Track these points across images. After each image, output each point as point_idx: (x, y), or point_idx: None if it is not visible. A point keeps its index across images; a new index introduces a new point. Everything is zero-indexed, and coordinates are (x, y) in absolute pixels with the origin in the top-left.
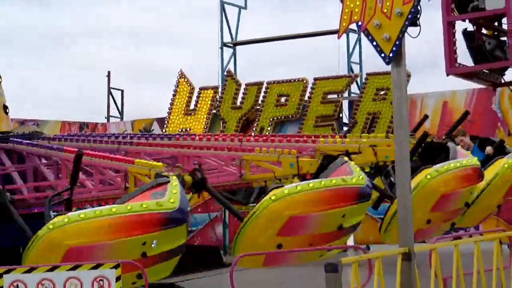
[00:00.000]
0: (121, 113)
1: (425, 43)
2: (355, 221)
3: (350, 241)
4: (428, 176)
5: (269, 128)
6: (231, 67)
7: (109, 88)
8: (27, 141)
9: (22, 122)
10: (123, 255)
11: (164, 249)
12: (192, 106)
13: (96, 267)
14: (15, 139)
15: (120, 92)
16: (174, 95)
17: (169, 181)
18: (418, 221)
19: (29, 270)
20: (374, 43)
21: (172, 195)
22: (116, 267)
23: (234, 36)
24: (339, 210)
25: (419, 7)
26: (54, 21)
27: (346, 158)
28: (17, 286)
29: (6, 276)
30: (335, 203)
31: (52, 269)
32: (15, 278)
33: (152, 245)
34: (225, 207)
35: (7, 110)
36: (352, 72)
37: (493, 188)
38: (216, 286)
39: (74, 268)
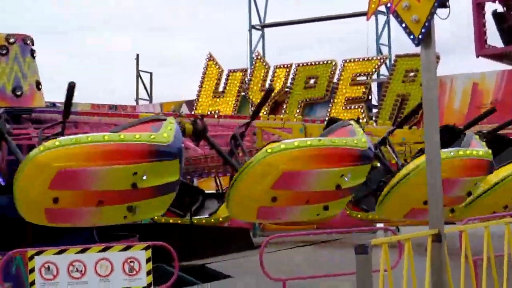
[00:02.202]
0: (150, 95)
1: (454, 25)
2: (355, 183)
3: (380, 223)
4: None
5: (298, 110)
6: (259, 49)
7: (137, 71)
8: (48, 109)
9: (54, 104)
10: (112, 183)
11: (155, 183)
12: (221, 89)
13: (126, 248)
14: (37, 109)
15: (149, 75)
16: (203, 78)
17: (165, 119)
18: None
19: (60, 252)
20: (403, 25)
21: (166, 130)
22: (146, 248)
23: (262, 19)
24: (337, 169)
25: None
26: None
27: (352, 122)
28: (48, 267)
29: (37, 258)
30: (333, 162)
31: (83, 250)
32: (46, 259)
33: (144, 177)
34: (222, 157)
35: (40, 86)
36: (381, 54)
37: (503, 186)
38: (247, 267)
39: (104, 250)
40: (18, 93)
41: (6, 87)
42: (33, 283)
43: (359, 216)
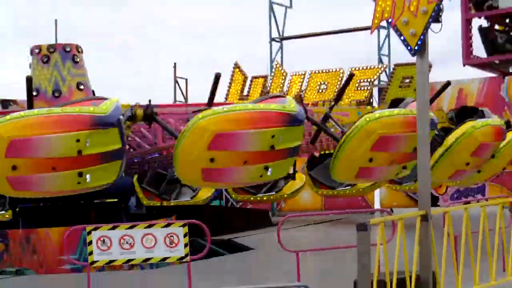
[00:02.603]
0: (186, 99)
1: (444, 38)
2: (290, 144)
3: (377, 205)
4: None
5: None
6: (278, 59)
7: (175, 77)
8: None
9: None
10: (59, 150)
11: (99, 150)
12: (245, 92)
13: (167, 225)
14: None
15: (184, 80)
16: (230, 83)
17: (107, 98)
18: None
19: (113, 228)
20: (402, 38)
21: (105, 104)
22: (183, 225)
23: (281, 32)
24: (267, 130)
25: (441, 6)
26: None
27: (288, 97)
28: (103, 240)
29: (94, 233)
30: (263, 124)
31: (132, 227)
32: (101, 234)
33: (87, 144)
34: (171, 134)
35: (81, 87)
36: (382, 63)
37: (457, 147)
38: (266, 242)
39: (149, 226)
40: (57, 94)
41: (47, 90)
42: (91, 253)
43: (324, 193)
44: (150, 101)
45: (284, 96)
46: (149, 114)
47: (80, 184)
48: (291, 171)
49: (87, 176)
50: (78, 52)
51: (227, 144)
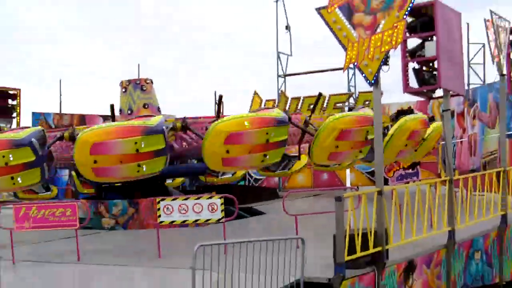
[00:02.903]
0: (217, 116)
1: (390, 75)
2: (280, 138)
3: (348, 184)
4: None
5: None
6: (282, 88)
7: (215, 98)
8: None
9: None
10: (124, 149)
11: (150, 149)
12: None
13: (210, 198)
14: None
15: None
16: (251, 104)
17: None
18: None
19: (174, 199)
20: (363, 75)
21: (154, 119)
22: (220, 198)
23: (284, 71)
24: (264, 129)
25: (388, 55)
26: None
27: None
28: (167, 207)
29: (162, 203)
30: (261, 125)
31: (186, 199)
32: (166, 203)
33: (142, 145)
34: (199, 136)
35: (146, 106)
36: (350, 91)
37: (398, 132)
38: (275, 208)
39: (198, 198)
40: (129, 112)
41: (124, 109)
42: (159, 216)
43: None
44: (185, 117)
45: (272, 108)
46: (184, 125)
47: (139, 172)
48: (297, 154)
49: (144, 167)
50: (146, 83)
51: (237, 140)
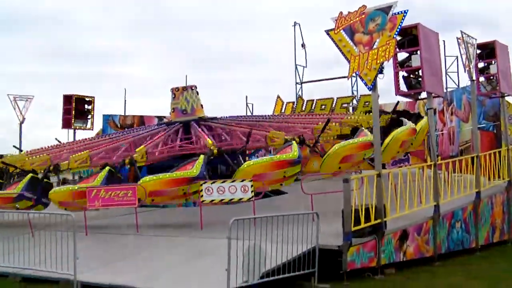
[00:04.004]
0: (251, 114)
1: (385, 81)
2: (294, 172)
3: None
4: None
5: None
6: (300, 93)
7: (246, 104)
8: (214, 121)
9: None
10: None
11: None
12: (282, 110)
13: (242, 180)
14: (209, 119)
15: (251, 105)
16: (275, 105)
17: (292, 144)
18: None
19: (213, 182)
20: (363, 81)
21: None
22: (250, 181)
23: (301, 79)
24: (282, 170)
25: (383, 65)
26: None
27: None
28: (208, 189)
29: (204, 185)
30: (280, 167)
31: (223, 182)
32: (207, 185)
33: None
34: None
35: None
36: (353, 94)
37: (390, 145)
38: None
39: (233, 181)
40: (185, 112)
41: (181, 108)
42: (202, 195)
43: None
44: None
45: (291, 145)
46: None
47: None
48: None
49: None
50: (192, 89)
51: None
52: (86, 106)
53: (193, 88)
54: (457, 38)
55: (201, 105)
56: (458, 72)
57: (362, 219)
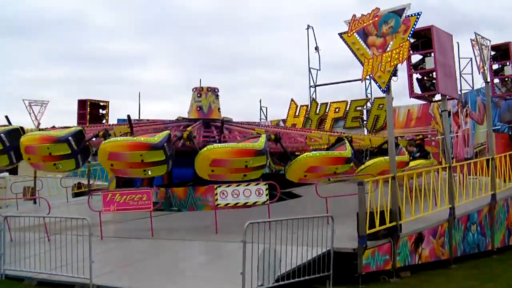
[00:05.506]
0: (266, 117)
1: (399, 83)
2: (258, 164)
3: None
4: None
5: (330, 123)
6: (313, 96)
7: (261, 107)
8: (230, 123)
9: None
10: (132, 159)
11: (153, 160)
12: (297, 114)
13: (257, 184)
14: (225, 121)
15: (265, 108)
16: (289, 109)
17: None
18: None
19: (228, 186)
20: (377, 84)
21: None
22: (265, 184)
23: (315, 82)
24: (243, 158)
25: (396, 68)
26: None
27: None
28: (223, 193)
29: (218, 189)
30: (242, 155)
31: (238, 185)
32: (222, 189)
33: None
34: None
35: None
36: (367, 96)
37: (374, 165)
38: (309, 192)
39: (247, 185)
40: (204, 111)
41: (202, 107)
42: (217, 199)
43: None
44: (190, 131)
45: (259, 136)
46: (189, 137)
47: (145, 175)
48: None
49: (149, 171)
50: (215, 91)
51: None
52: (100, 110)
53: (216, 90)
54: (471, 40)
55: (219, 109)
56: (472, 74)
57: (377, 222)
